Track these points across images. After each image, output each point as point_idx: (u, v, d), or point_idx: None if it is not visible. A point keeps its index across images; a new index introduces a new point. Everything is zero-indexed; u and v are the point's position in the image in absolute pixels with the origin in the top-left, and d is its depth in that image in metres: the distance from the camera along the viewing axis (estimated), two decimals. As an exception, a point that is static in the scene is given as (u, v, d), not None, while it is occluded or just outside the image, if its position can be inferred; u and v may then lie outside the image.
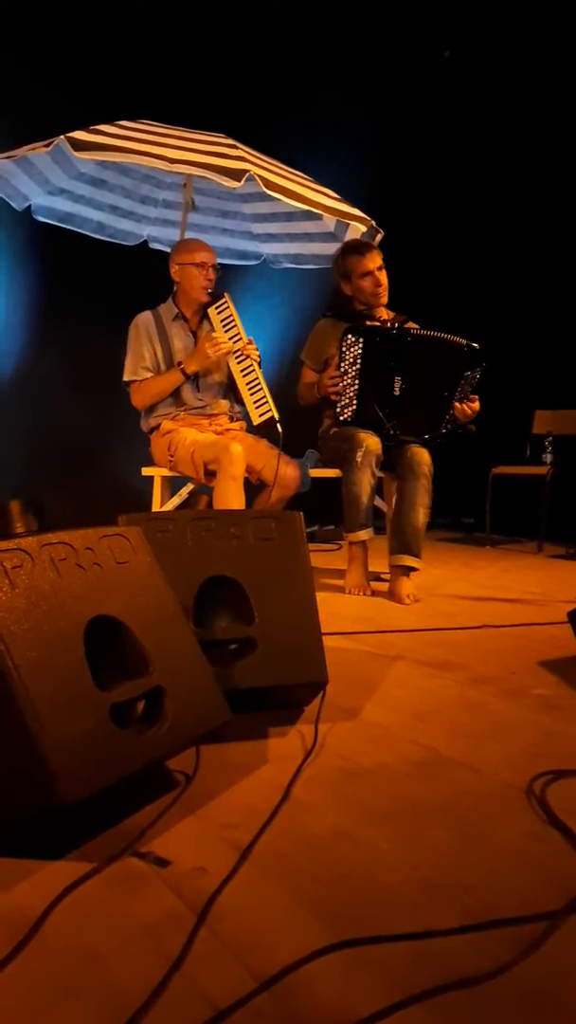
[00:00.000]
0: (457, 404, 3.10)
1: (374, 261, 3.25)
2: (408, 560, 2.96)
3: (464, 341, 3.07)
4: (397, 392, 3.10)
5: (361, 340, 3.06)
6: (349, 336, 3.07)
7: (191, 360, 3.11)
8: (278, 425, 3.01)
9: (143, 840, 1.04)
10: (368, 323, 3.21)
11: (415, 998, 0.73)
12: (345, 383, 3.10)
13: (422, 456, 3.06)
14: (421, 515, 3.01)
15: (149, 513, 2.67)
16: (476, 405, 3.13)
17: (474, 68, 5.30)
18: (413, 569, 2.96)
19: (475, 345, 3.06)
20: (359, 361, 3.07)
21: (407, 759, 1.36)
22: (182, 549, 1.53)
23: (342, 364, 3.10)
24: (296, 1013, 0.71)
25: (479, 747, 1.42)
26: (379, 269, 3.26)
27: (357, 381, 3.09)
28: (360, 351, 3.07)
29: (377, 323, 3.24)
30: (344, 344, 3.07)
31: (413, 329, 3.13)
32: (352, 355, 3.07)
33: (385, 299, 3.30)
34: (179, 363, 3.12)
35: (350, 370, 3.09)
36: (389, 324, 3.20)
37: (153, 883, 0.94)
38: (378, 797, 1.20)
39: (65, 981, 0.76)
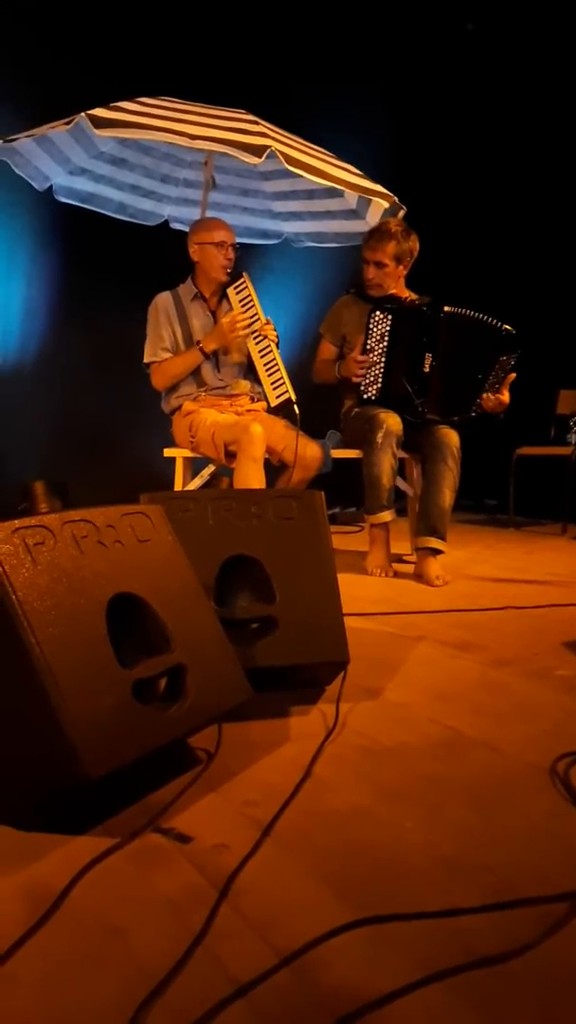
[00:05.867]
0: (488, 394, 3.05)
1: (375, 254, 3.16)
2: (434, 542, 2.93)
3: (500, 324, 3.02)
4: (427, 369, 3.06)
5: (390, 317, 3.02)
6: (377, 313, 3.03)
7: (209, 338, 3.10)
8: (295, 406, 2.99)
9: (165, 816, 1.04)
10: (398, 299, 3.15)
11: (437, 976, 0.72)
12: (371, 361, 3.07)
13: (451, 437, 3.02)
14: (447, 497, 2.97)
15: (170, 492, 2.67)
16: (506, 398, 3.06)
17: (498, 41, 5.20)
18: (439, 551, 2.94)
19: (511, 329, 3.02)
20: (387, 338, 3.04)
21: (429, 739, 1.35)
22: (203, 528, 1.52)
23: (368, 341, 3.06)
24: (317, 989, 0.71)
25: (501, 727, 1.41)
26: (376, 264, 3.17)
27: (384, 359, 3.06)
28: (388, 328, 3.03)
29: (403, 302, 3.18)
30: (372, 321, 3.04)
31: (446, 307, 3.07)
32: (379, 332, 3.04)
33: (376, 293, 3.19)
34: (197, 342, 3.12)
35: (376, 347, 3.05)
36: (419, 303, 3.16)
37: (175, 859, 0.94)
38: (399, 776, 1.19)
39: (88, 954, 0.76)
